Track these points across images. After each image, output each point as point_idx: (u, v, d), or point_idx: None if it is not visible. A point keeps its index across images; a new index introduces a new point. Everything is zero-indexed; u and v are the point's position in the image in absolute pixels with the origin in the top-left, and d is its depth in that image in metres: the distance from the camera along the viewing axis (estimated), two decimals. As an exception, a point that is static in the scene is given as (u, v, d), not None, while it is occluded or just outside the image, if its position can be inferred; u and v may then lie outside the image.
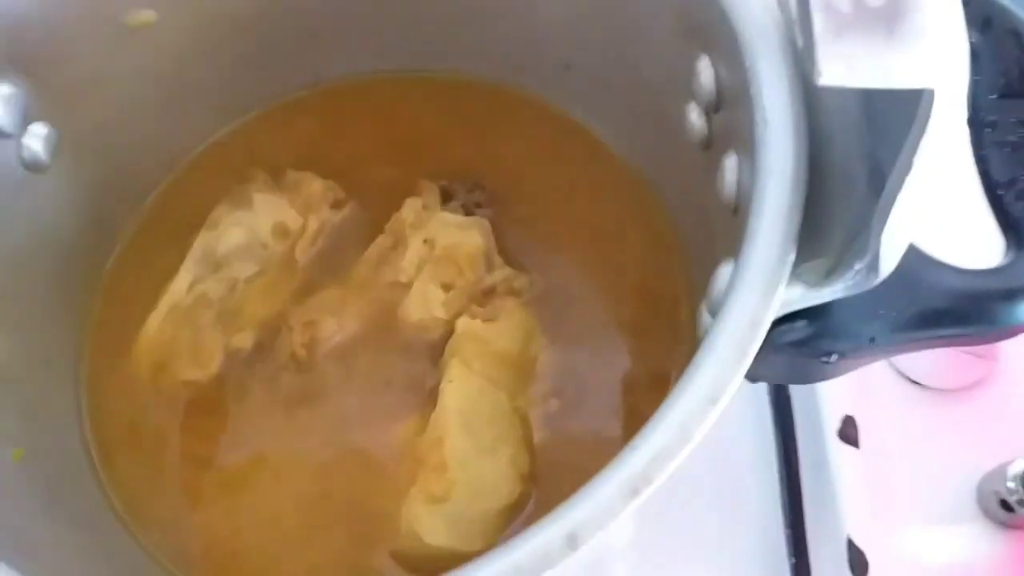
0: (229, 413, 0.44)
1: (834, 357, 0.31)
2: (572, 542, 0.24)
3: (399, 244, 0.46)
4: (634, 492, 0.25)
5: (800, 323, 0.30)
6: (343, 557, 0.42)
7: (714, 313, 0.30)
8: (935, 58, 0.23)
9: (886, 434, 0.51)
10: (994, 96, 0.32)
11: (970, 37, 0.32)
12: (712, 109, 0.37)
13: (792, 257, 0.28)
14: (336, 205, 0.49)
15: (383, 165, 0.50)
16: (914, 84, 0.22)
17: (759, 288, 0.27)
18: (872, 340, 0.30)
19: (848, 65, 0.22)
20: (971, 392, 0.53)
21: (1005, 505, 0.48)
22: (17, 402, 0.40)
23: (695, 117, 0.38)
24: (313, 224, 0.48)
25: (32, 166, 0.42)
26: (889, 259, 0.27)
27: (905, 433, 0.52)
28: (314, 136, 0.52)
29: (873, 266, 0.27)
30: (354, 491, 0.43)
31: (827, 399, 0.52)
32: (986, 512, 0.50)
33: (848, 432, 0.51)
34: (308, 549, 0.42)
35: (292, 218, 0.48)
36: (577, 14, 0.45)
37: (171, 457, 0.44)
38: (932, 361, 0.53)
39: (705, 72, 0.35)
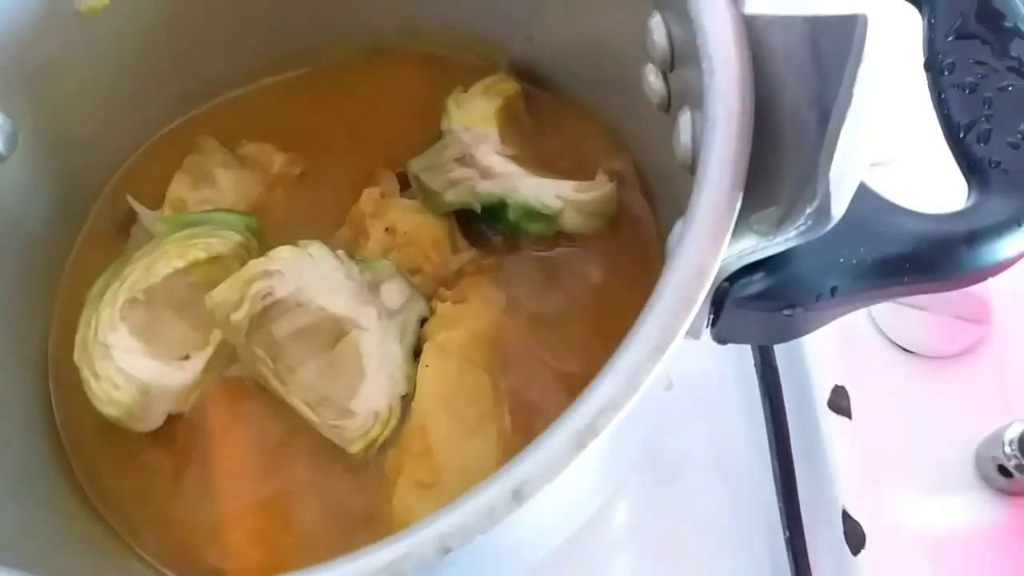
0: (204, 403, 0.44)
1: (797, 310, 0.30)
2: (518, 497, 0.24)
3: (360, 235, 0.46)
4: (580, 445, 0.24)
5: (759, 275, 0.30)
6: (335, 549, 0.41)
7: (668, 265, 0.30)
8: (864, -19, 0.22)
9: (879, 403, 0.50)
10: (950, 38, 0.31)
11: (924, -24, 0.31)
12: (667, 68, 0.36)
13: (739, 203, 0.27)
14: (303, 176, 0.49)
15: (343, 152, 0.49)
16: (842, 9, 0.22)
17: (706, 234, 0.27)
18: (833, 290, 0.29)
19: (772, -10, 0.22)
20: (964, 358, 0.52)
21: (1003, 471, 0.47)
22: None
23: (653, 79, 0.37)
24: (279, 198, 0.49)
25: (-11, 157, 0.41)
26: (839, 201, 0.26)
27: (899, 402, 0.51)
28: (273, 116, 0.51)
29: (824, 209, 0.26)
30: (341, 484, 0.42)
31: (816, 370, 0.51)
32: (985, 479, 0.49)
33: (839, 402, 0.50)
34: (295, 544, 0.41)
35: (259, 193, 0.48)
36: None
37: (142, 447, 0.43)
38: (923, 328, 0.52)
39: (658, 30, 0.35)
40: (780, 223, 0.27)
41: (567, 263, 0.47)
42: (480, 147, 0.47)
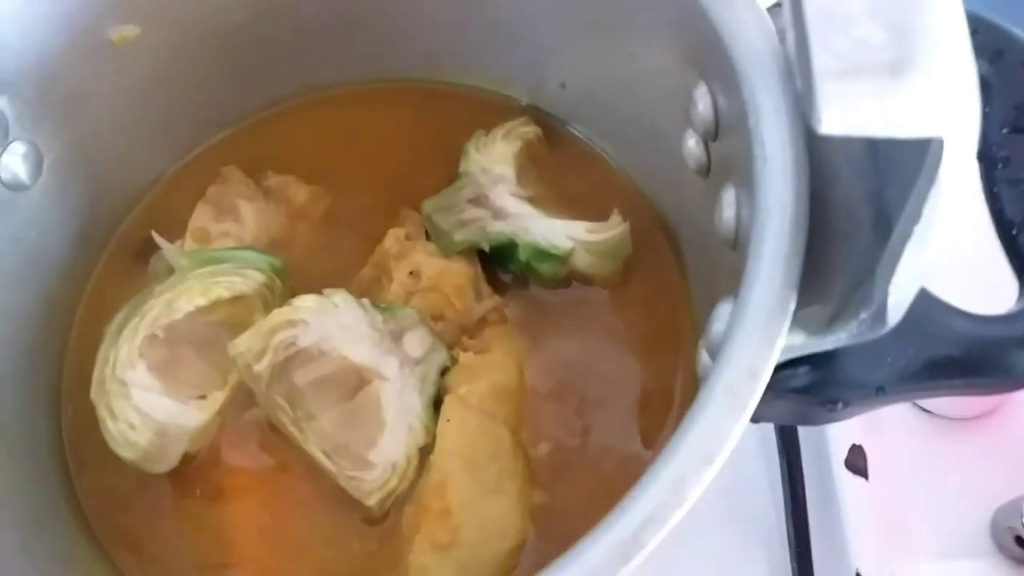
0: (219, 445, 0.43)
1: (839, 405, 0.29)
2: (556, 616, 0.23)
3: (383, 276, 0.45)
4: (624, 559, 0.23)
5: (803, 369, 0.29)
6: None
7: (712, 354, 0.29)
8: (944, 104, 0.21)
9: (896, 464, 0.50)
10: (1006, 130, 0.30)
11: (980, 68, 0.30)
12: (710, 137, 0.35)
13: (792, 305, 0.26)
14: (327, 213, 0.49)
15: (367, 188, 0.49)
16: (923, 133, 0.21)
17: (757, 337, 0.26)
18: (879, 389, 0.29)
19: (850, 112, 0.21)
20: (984, 421, 0.51)
21: (1020, 541, 0.46)
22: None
23: (693, 144, 0.37)
24: (302, 233, 0.48)
25: (13, 185, 0.41)
26: (896, 309, 0.25)
27: (916, 463, 0.50)
28: (298, 148, 0.51)
29: (879, 316, 0.25)
30: (355, 536, 0.41)
31: (834, 427, 0.50)
32: (1000, 548, 0.48)
33: (856, 462, 0.50)
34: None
35: (281, 227, 0.48)
36: (574, 32, 0.44)
37: (154, 488, 0.42)
38: (944, 388, 0.51)
39: (703, 100, 0.34)
40: (831, 323, 0.27)
41: (590, 309, 0.47)
42: (495, 188, 0.46)
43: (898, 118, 0.21)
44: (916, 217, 0.23)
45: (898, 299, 0.25)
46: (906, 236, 0.23)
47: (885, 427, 0.51)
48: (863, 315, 0.26)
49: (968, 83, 0.22)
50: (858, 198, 0.27)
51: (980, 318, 0.29)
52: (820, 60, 0.21)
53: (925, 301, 0.28)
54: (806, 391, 0.29)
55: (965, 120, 0.21)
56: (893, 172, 0.25)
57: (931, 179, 0.22)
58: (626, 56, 0.41)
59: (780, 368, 0.29)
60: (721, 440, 0.25)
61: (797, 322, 0.27)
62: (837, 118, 0.21)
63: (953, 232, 0.23)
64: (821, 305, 0.27)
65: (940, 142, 0.21)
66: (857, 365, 0.28)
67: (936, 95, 0.21)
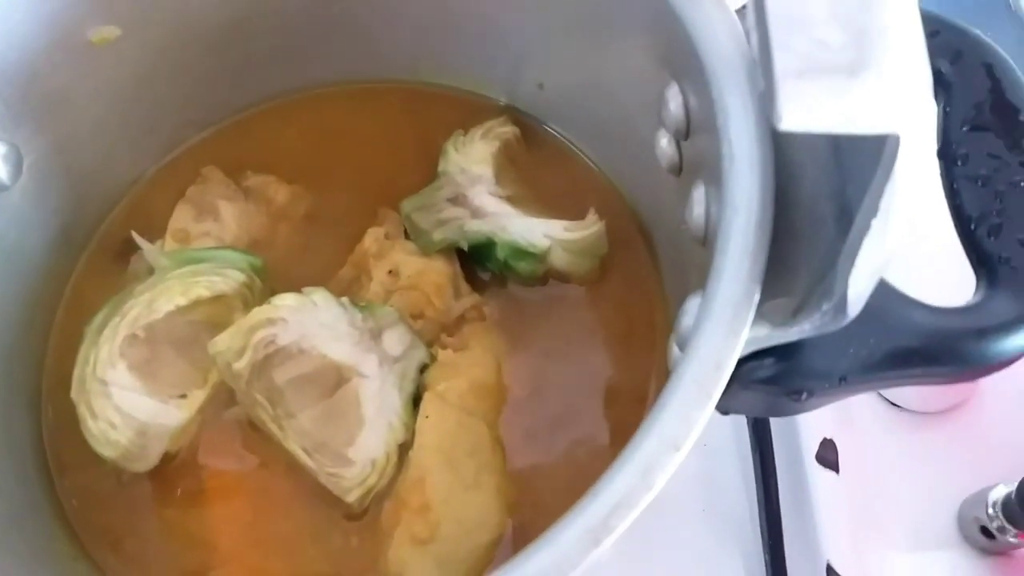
0: (199, 443, 0.43)
1: (804, 395, 0.30)
2: (528, 597, 0.24)
3: (363, 275, 0.46)
4: (595, 542, 0.24)
5: (768, 360, 0.30)
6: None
7: (681, 347, 0.30)
8: (900, 102, 0.22)
9: (866, 457, 0.51)
10: (965, 128, 0.31)
11: (940, 68, 0.31)
12: (682, 136, 0.36)
13: (757, 298, 0.27)
14: (307, 213, 0.49)
15: (347, 187, 0.50)
16: (878, 130, 0.22)
17: (724, 329, 0.27)
18: (842, 379, 0.30)
19: (809, 109, 0.22)
20: (951, 415, 0.52)
21: (986, 532, 0.47)
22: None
23: (665, 143, 0.38)
24: (282, 233, 0.48)
25: (-8, 186, 0.41)
26: (856, 301, 0.26)
27: (885, 456, 0.51)
28: (278, 148, 0.51)
29: (840, 307, 0.26)
30: (335, 533, 0.42)
31: (806, 421, 0.51)
32: (967, 538, 0.49)
33: (827, 456, 0.51)
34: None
35: (262, 227, 0.48)
36: (551, 34, 0.45)
37: (135, 487, 0.42)
38: (912, 383, 0.52)
39: (674, 100, 0.35)
40: (794, 315, 0.28)
41: (567, 306, 0.47)
42: (474, 188, 0.47)
43: (855, 115, 0.22)
44: (873, 211, 0.23)
45: (858, 291, 0.26)
46: (865, 230, 0.24)
47: (855, 421, 0.52)
48: (825, 307, 0.26)
49: (923, 82, 0.23)
50: (821, 195, 0.28)
51: (939, 310, 0.30)
52: (781, 60, 0.22)
53: (886, 294, 0.29)
54: (772, 382, 0.30)
55: (920, 117, 0.22)
56: (854, 169, 0.26)
57: (887, 174, 0.23)
58: (602, 58, 0.42)
59: (747, 360, 0.30)
60: (688, 428, 0.25)
61: (762, 315, 0.28)
62: (796, 115, 0.22)
63: (910, 225, 0.24)
64: (785, 298, 0.28)
65: (896, 138, 0.22)
66: (821, 356, 0.29)
67: (891, 93, 0.22)
